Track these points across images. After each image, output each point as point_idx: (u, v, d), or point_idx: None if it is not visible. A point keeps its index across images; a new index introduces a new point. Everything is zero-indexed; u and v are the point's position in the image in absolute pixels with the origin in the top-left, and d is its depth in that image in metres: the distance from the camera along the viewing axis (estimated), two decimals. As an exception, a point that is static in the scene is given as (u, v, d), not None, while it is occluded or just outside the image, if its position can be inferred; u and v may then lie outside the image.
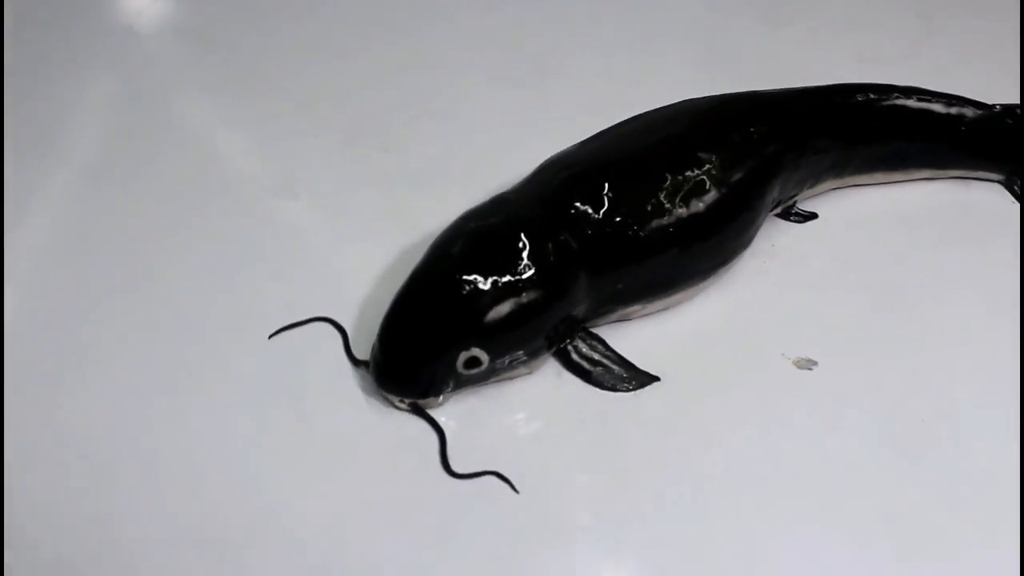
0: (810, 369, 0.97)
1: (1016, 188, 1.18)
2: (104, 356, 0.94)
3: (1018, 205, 1.18)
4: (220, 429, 0.89)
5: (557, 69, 1.33)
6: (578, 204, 0.93)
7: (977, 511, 0.87)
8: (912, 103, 1.14)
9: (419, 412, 0.89)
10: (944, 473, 0.89)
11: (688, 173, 0.97)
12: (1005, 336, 1.01)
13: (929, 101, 1.14)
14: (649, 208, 0.94)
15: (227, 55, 1.34)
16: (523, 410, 0.92)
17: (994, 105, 1.17)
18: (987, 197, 1.19)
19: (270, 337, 0.96)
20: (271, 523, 0.83)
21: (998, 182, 1.20)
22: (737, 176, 0.99)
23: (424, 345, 0.88)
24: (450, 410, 0.91)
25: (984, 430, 0.93)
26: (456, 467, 0.86)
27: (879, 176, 1.16)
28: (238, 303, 1.00)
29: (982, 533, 0.85)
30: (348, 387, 0.92)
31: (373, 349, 0.91)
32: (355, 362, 0.93)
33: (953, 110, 1.15)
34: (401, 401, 0.89)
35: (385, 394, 0.90)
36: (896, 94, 1.13)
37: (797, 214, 1.12)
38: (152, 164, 1.15)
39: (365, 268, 1.03)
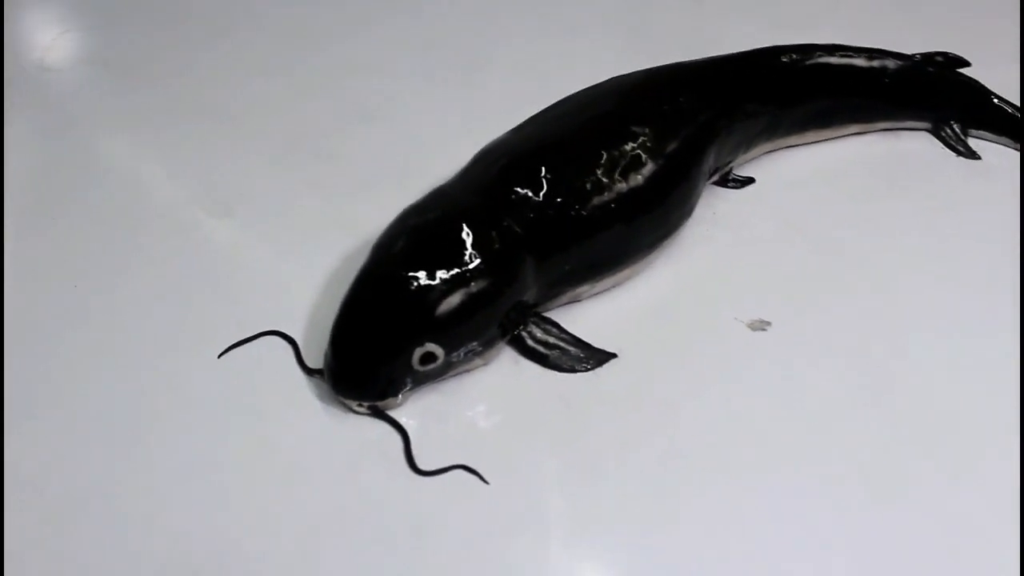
0: (764, 329, 0.98)
1: (943, 134, 1.21)
2: (55, 390, 0.91)
3: (947, 150, 1.20)
4: (180, 453, 0.86)
5: (485, 63, 1.33)
6: (518, 189, 0.92)
7: (944, 445, 0.88)
8: (835, 60, 1.15)
9: (379, 414, 0.88)
10: (908, 412, 0.91)
11: (624, 148, 0.97)
12: (950, 273, 1.04)
13: (851, 56, 1.16)
14: (589, 186, 0.94)
15: (145, 80, 1.32)
16: (483, 402, 0.91)
17: (914, 55, 1.19)
18: (916, 145, 1.21)
19: (220, 356, 0.94)
20: (242, 542, 0.81)
21: (925, 130, 1.22)
22: (672, 147, 0.99)
23: (377, 346, 0.87)
24: (410, 409, 0.89)
25: (940, 365, 0.95)
26: (423, 465, 0.85)
27: (810, 135, 1.18)
28: (185, 326, 0.97)
29: (951, 467, 0.87)
30: (305, 398, 0.91)
31: (326, 356, 0.89)
32: (309, 372, 0.92)
33: (875, 63, 1.17)
34: (360, 405, 0.88)
35: (343, 400, 0.88)
36: (819, 52, 1.15)
37: (734, 180, 1.13)
38: (82, 197, 1.13)
39: (309, 277, 1.01)
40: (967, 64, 1.20)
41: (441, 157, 1.07)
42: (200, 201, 1.12)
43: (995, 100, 1.20)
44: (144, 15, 1.45)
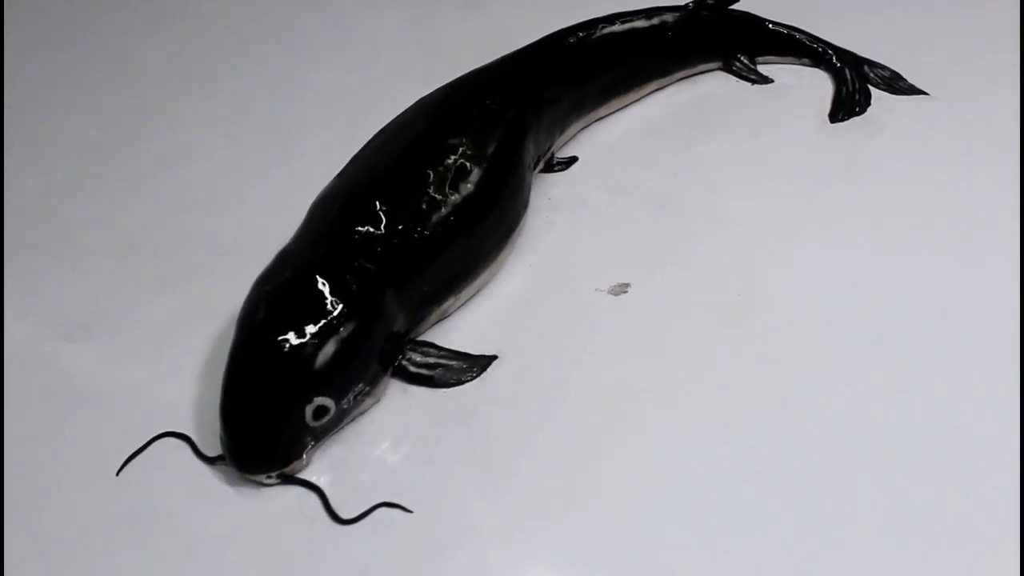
0: (626, 292, 1.03)
1: (735, 68, 1.29)
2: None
3: (743, 82, 1.28)
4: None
5: (294, 121, 1.34)
6: (359, 228, 0.95)
7: (810, 352, 0.95)
8: (617, 28, 1.22)
9: (289, 479, 0.89)
10: (772, 326, 0.98)
11: (447, 162, 1.00)
12: (773, 191, 1.12)
13: (631, 20, 1.23)
14: (424, 207, 0.97)
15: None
16: (385, 438, 0.93)
17: (687, 4, 1.27)
18: (714, 85, 1.29)
19: (118, 473, 0.93)
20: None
21: (718, 69, 1.30)
22: (491, 148, 1.04)
23: (268, 414, 0.88)
24: (317, 466, 0.91)
25: (790, 275, 1.02)
26: (345, 514, 0.87)
27: (615, 103, 1.24)
28: (75, 454, 0.96)
29: (821, 373, 0.94)
30: (214, 487, 0.91)
31: (221, 439, 0.90)
32: (210, 460, 0.92)
33: (655, 20, 1.24)
34: (268, 477, 0.89)
35: (250, 477, 0.89)
36: (601, 24, 1.21)
37: (559, 163, 1.18)
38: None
39: (185, 371, 1.01)
40: (736, 0, 1.28)
41: (278, 223, 1.08)
42: (55, 331, 1.10)
43: (770, 26, 1.29)
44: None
